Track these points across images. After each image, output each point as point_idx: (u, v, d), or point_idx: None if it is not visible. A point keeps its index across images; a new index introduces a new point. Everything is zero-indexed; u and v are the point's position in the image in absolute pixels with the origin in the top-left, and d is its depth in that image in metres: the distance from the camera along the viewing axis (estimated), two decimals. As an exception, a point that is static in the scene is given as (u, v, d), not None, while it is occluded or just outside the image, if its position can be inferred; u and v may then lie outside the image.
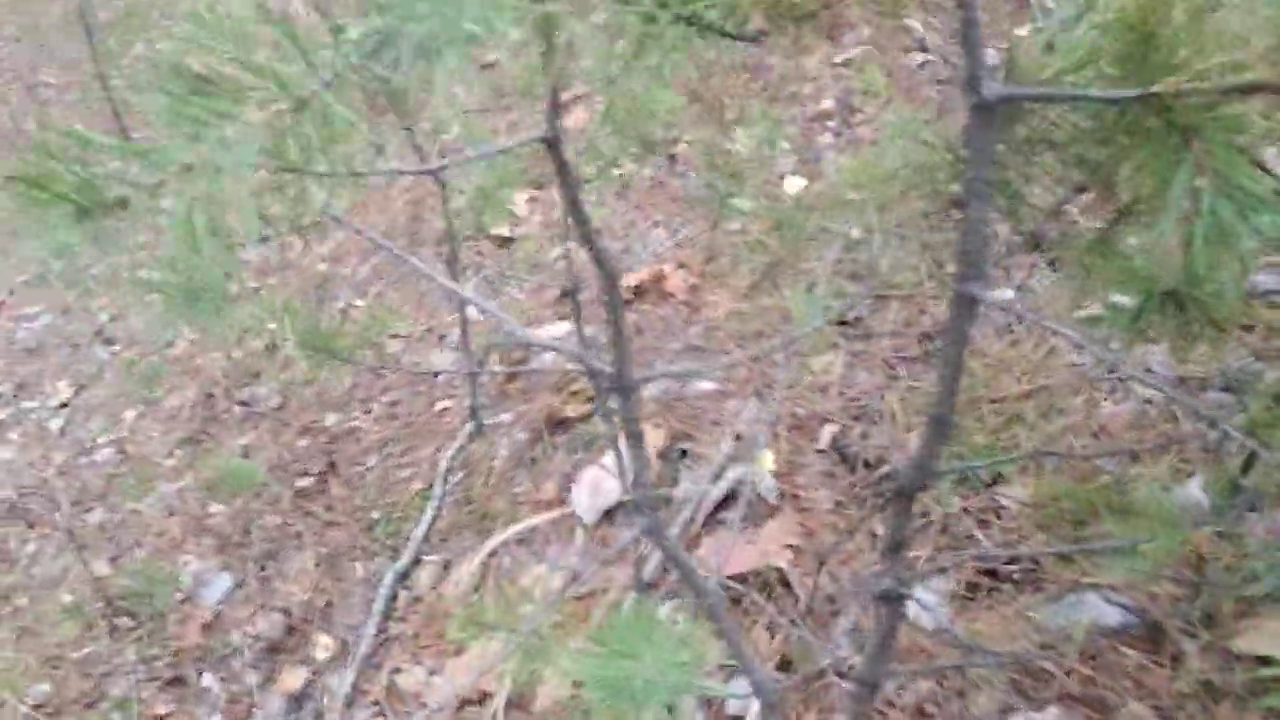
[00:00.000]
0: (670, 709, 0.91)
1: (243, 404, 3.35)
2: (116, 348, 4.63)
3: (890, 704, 1.53)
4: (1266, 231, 0.74)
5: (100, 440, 3.94)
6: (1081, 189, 0.94)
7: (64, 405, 4.39)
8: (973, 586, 1.61)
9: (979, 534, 1.66)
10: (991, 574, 1.61)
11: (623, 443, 1.45)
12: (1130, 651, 1.43)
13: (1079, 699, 1.40)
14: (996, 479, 1.74)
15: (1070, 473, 1.67)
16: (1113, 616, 1.47)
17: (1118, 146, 0.77)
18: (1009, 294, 1.99)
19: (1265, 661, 1.35)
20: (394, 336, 2.89)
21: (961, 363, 0.92)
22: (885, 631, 1.15)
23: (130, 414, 4.01)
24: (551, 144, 0.71)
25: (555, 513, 2.01)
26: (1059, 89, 0.74)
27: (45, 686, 2.57)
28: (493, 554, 2.04)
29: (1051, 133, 0.87)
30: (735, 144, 2.78)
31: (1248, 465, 1.26)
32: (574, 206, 0.73)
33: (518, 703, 1.83)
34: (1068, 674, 1.43)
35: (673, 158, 2.89)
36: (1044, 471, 1.70)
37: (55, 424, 4.25)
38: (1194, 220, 0.73)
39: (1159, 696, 1.37)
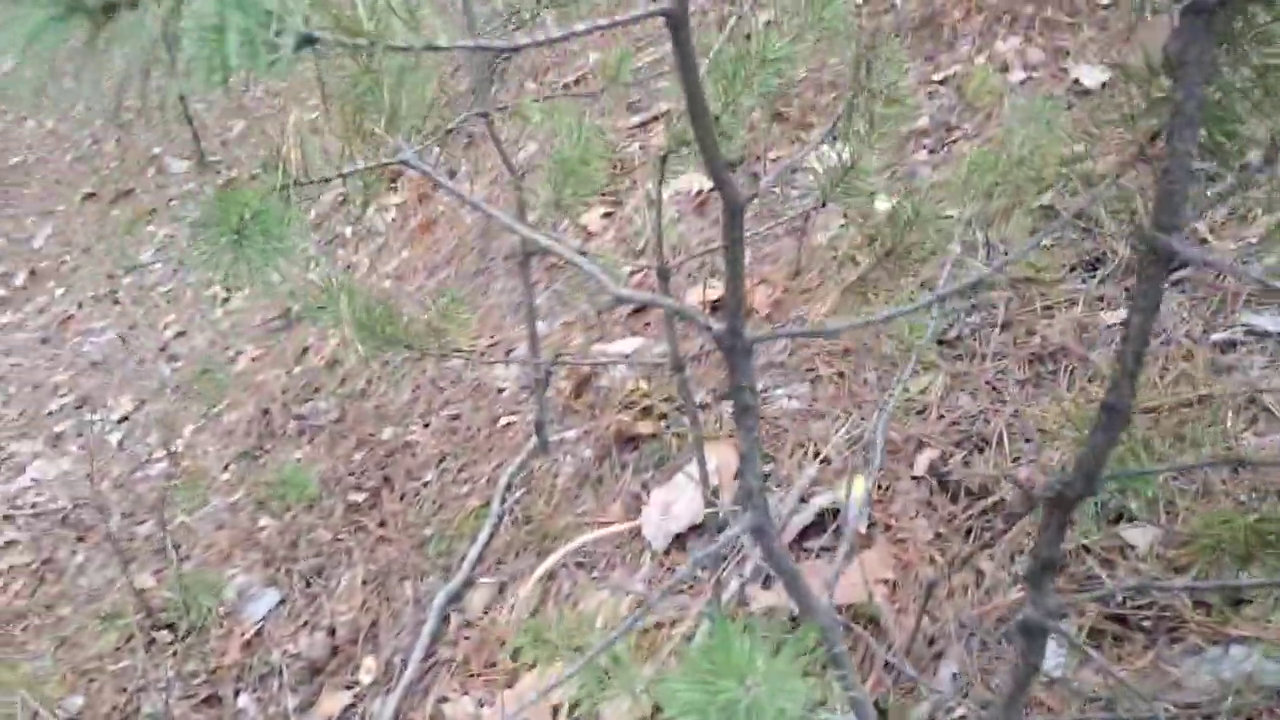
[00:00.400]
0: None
1: (300, 418, 3.25)
2: (179, 364, 4.60)
3: (1001, 763, 1.34)
4: None
5: (156, 454, 3.88)
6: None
7: (124, 419, 4.36)
8: (1096, 633, 1.41)
9: (1102, 574, 1.47)
10: (1119, 620, 1.41)
11: (708, 450, 1.29)
12: (1293, 713, 1.23)
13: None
14: (1120, 516, 1.55)
15: (1208, 506, 1.48)
16: (1273, 675, 1.27)
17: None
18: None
19: None
20: (457, 351, 2.77)
21: (1147, 337, 0.76)
22: (1023, 672, 0.97)
23: (189, 429, 3.95)
24: (675, 20, 0.57)
25: (621, 532, 1.85)
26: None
27: (79, 699, 2.46)
28: (551, 577, 1.89)
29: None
30: (821, 161, 2.63)
31: None
32: (693, 96, 0.59)
33: (574, 741, 1.67)
34: (1216, 737, 1.23)
35: (755, 175, 2.75)
36: (1176, 508, 1.51)
37: (114, 437, 4.22)
38: None
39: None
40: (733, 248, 0.68)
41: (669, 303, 0.82)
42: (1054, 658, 1.41)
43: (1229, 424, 1.57)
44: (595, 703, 1.72)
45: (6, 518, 3.85)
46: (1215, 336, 1.69)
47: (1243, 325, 1.69)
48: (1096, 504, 1.54)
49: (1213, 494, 1.49)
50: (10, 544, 3.66)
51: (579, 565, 1.89)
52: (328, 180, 0.94)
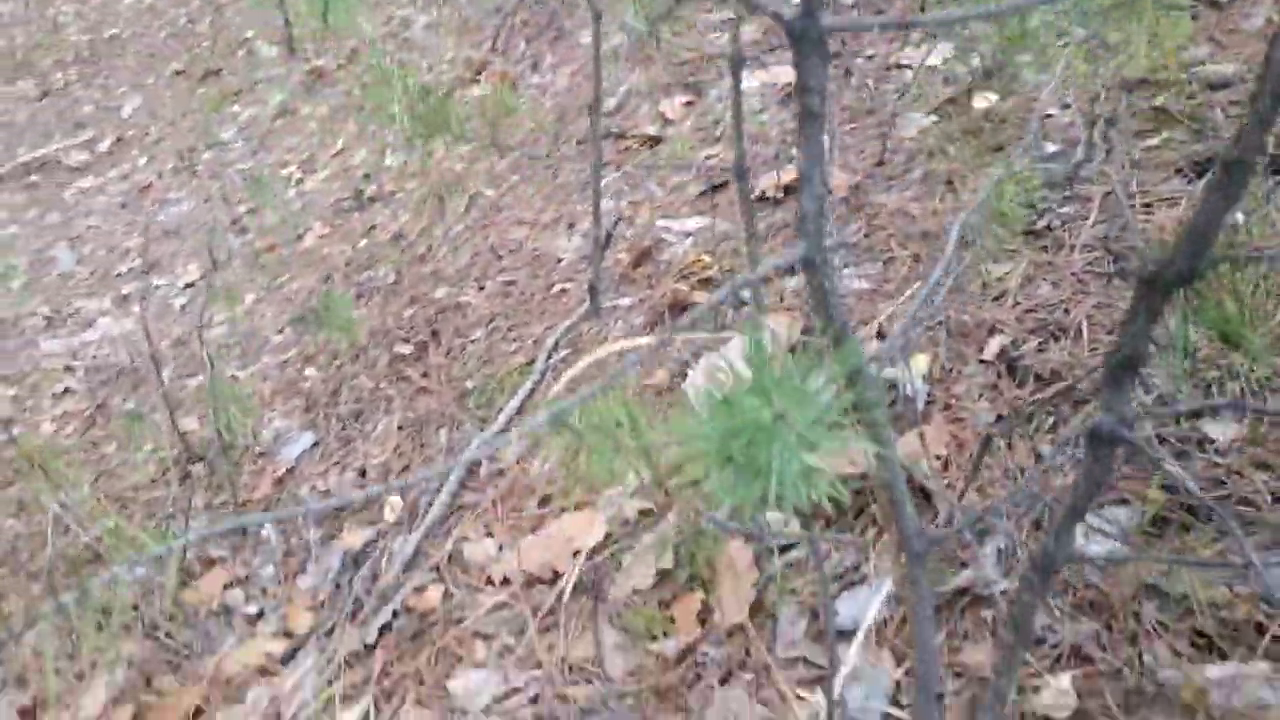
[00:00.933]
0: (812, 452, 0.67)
1: (359, 284, 3.23)
2: (249, 237, 4.63)
3: (1040, 641, 1.25)
4: None
5: (219, 319, 3.91)
6: None
7: (190, 285, 4.41)
8: (1160, 522, 1.31)
9: (1173, 466, 1.36)
10: (1189, 510, 1.31)
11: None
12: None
13: (1300, 658, 1.10)
14: (1200, 411, 1.43)
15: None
16: (1352, 571, 1.16)
17: None
18: None
19: None
20: (519, 223, 2.71)
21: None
22: (1086, 487, 0.88)
23: (250, 297, 3.96)
24: None
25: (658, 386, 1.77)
26: None
27: (110, 522, 2.47)
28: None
29: None
30: (916, 61, 2.51)
31: None
32: None
33: (590, 588, 1.61)
34: (1284, 630, 1.13)
35: (848, 72, 2.63)
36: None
37: (179, 301, 4.26)
38: None
39: None
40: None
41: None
42: (1099, 545, 1.31)
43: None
44: (618, 548, 1.66)
45: (67, 368, 3.91)
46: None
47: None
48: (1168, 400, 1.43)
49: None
50: (67, 392, 3.72)
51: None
52: None
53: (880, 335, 1.74)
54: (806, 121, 0.72)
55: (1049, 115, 2.06)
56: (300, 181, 5.04)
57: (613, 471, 0.97)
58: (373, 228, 3.88)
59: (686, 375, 1.83)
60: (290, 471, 2.26)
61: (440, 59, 5.10)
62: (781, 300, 1.90)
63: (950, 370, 1.63)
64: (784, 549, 1.50)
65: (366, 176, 4.50)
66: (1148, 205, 1.73)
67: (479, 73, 4.56)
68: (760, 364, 0.65)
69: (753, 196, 2.17)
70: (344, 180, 4.75)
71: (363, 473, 2.10)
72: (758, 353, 0.66)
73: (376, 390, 2.31)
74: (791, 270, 1.96)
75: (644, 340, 1.73)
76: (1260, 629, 1.15)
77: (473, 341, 2.28)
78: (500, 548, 1.76)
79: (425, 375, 2.25)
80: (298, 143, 5.35)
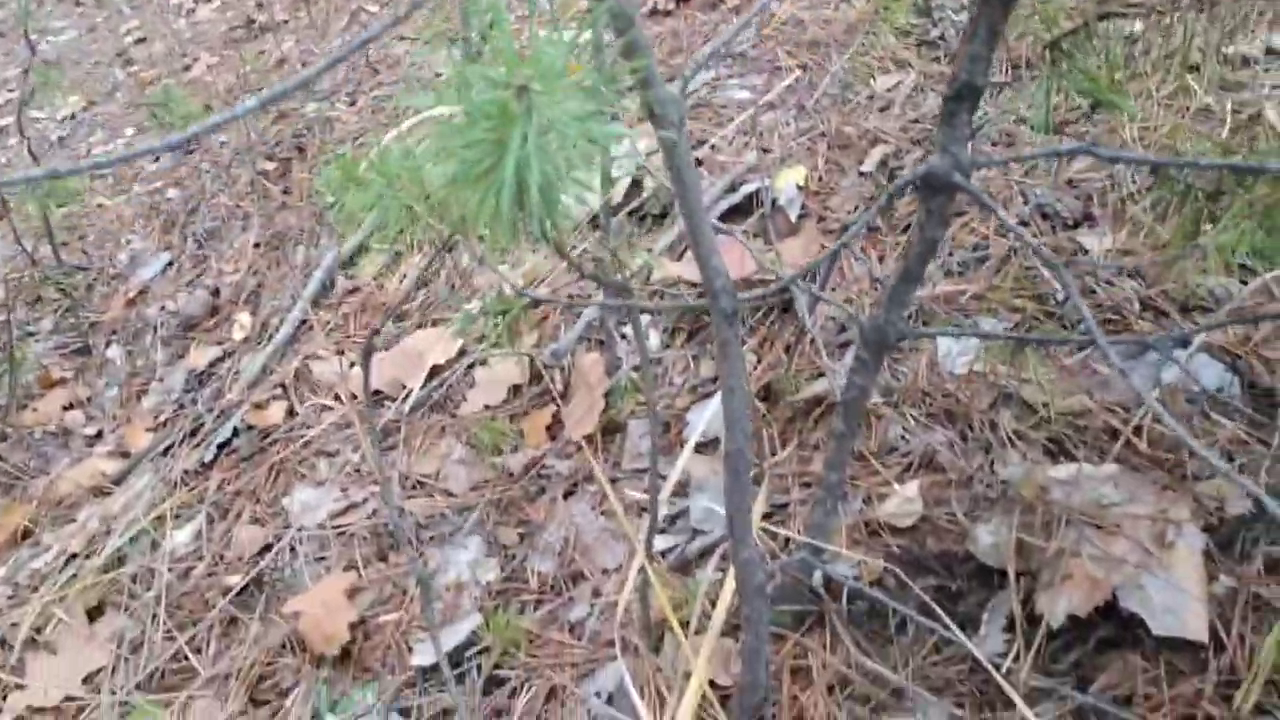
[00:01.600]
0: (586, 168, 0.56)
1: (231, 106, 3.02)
2: (135, 68, 4.35)
3: (892, 450, 1.18)
4: None
5: (96, 152, 3.68)
6: None
7: (71, 117, 4.14)
8: (1025, 331, 1.24)
9: (1045, 273, 1.29)
10: (1055, 319, 1.24)
11: None
12: (1225, 421, 1.06)
13: (1151, 460, 1.04)
14: (1082, 219, 1.36)
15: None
16: (1210, 376, 1.10)
17: None
18: None
19: None
20: (401, 38, 2.52)
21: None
22: (917, 251, 0.79)
23: (130, 130, 3.72)
24: None
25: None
26: None
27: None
28: (450, 249, 1.70)
29: None
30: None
31: None
32: None
33: (440, 403, 1.51)
34: (1136, 433, 1.07)
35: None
36: (1141, 223, 1.32)
37: (57, 134, 3.99)
38: None
39: (1257, 474, 1.01)
40: None
41: None
42: (972, 355, 1.24)
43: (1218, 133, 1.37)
44: (472, 363, 1.56)
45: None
46: (1229, 50, 1.47)
47: (1262, 42, 1.47)
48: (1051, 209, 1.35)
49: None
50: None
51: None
52: None
53: (762, 149, 1.62)
54: None
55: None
56: (192, 11, 4.74)
57: (393, 222, 0.85)
58: (260, 54, 3.64)
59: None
60: (143, 292, 2.10)
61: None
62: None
63: (826, 182, 1.53)
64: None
65: (260, 5, 4.23)
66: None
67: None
68: (503, 35, 0.53)
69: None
70: (238, 9, 4.46)
71: (216, 291, 1.96)
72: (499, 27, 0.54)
73: (236, 207, 2.15)
74: (671, 80, 1.83)
75: None
76: (1114, 434, 1.09)
77: (339, 156, 2.12)
78: (350, 365, 1.65)
79: (286, 192, 2.09)
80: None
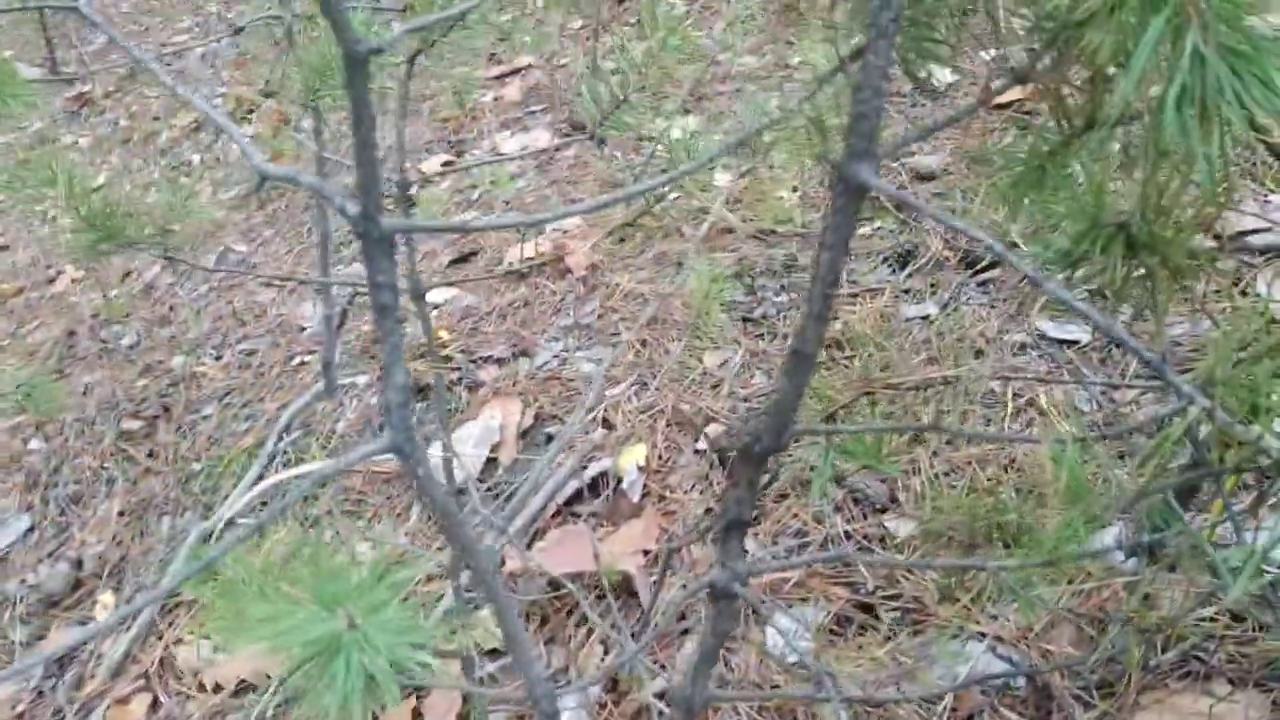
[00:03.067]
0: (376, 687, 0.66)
1: (103, 343, 3.05)
2: (-5, 278, 4.31)
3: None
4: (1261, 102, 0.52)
5: (-51, 370, 3.61)
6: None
7: (-80, 328, 4.06)
8: (843, 621, 1.37)
9: (858, 563, 1.43)
10: (867, 609, 1.37)
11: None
12: (1012, 715, 1.20)
13: (944, 762, 1.17)
14: (890, 505, 1.51)
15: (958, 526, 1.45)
16: (998, 671, 1.24)
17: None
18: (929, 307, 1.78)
19: (1166, 744, 1.13)
20: (267, 285, 2.62)
21: (838, 276, 0.69)
22: (711, 641, 0.91)
23: (-8, 347, 3.68)
24: None
25: (391, 479, 1.74)
26: None
27: None
28: (315, 524, 1.77)
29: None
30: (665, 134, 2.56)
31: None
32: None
33: (296, 694, 1.55)
34: (935, 732, 1.20)
35: (601, 141, 2.66)
36: (941, 497, 1.48)
37: (-92, 349, 3.91)
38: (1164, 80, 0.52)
39: (1038, 770, 1.14)
40: (356, 106, 0.59)
41: (310, 180, 0.73)
42: (795, 642, 1.36)
43: (1001, 417, 1.56)
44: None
45: None
46: (1009, 338, 1.68)
47: (1036, 330, 1.68)
48: (863, 492, 1.51)
49: (977, 491, 1.47)
50: None
51: (346, 513, 1.78)
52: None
53: (606, 424, 1.76)
54: (380, 315, 0.72)
55: (779, 196, 2.15)
56: (55, 219, 4.75)
57: (228, 643, 0.93)
58: (129, 274, 3.68)
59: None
60: (2, 560, 2.10)
61: (213, 93, 4.90)
62: (515, 385, 1.90)
63: (666, 460, 1.67)
64: (492, 653, 1.49)
65: (129, 215, 4.26)
66: (854, 296, 1.83)
67: (251, 111, 4.41)
68: (340, 572, 0.64)
69: (499, 270, 2.17)
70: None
71: (79, 564, 1.97)
72: (327, 561, 0.65)
73: (100, 469, 2.18)
74: (525, 354, 1.96)
75: (313, 467, 1.70)
76: (918, 730, 1.21)
77: (204, 418, 2.18)
78: (217, 649, 1.68)
79: (151, 455, 2.14)
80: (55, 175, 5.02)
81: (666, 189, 2.15)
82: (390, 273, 0.69)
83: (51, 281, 4.05)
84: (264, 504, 1.72)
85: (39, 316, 3.68)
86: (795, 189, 2.15)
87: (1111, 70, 0.69)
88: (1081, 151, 0.73)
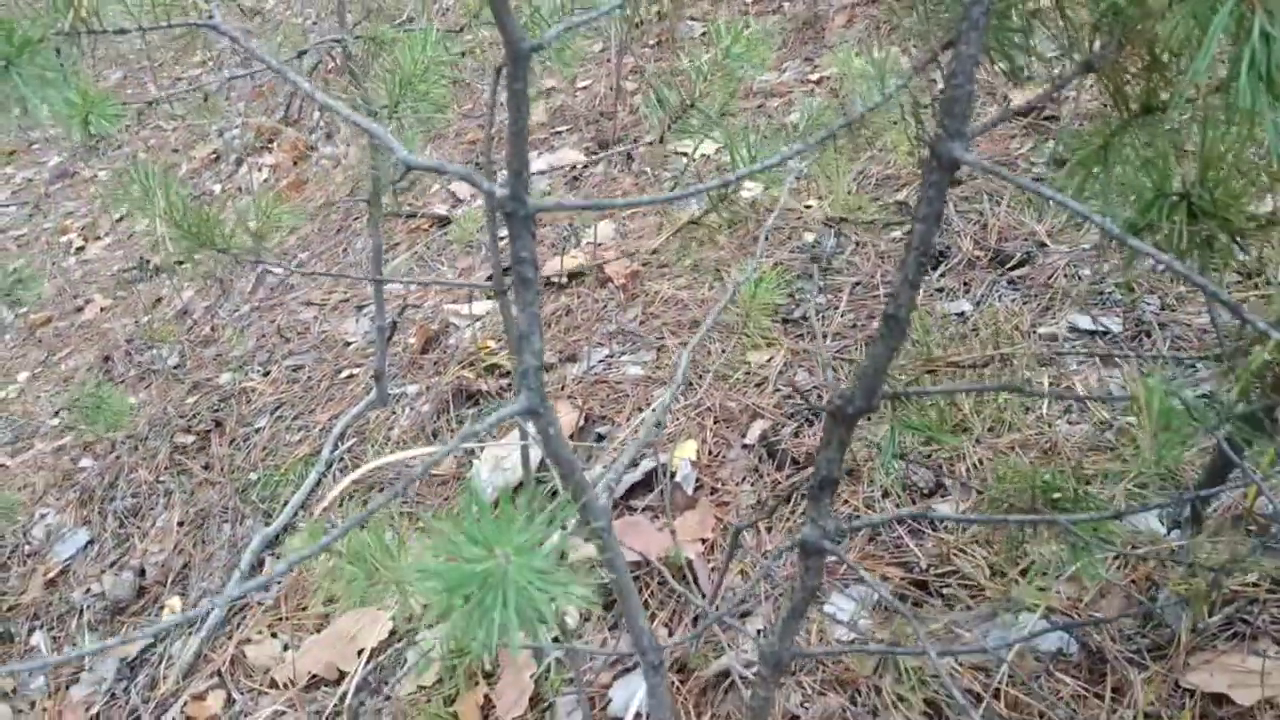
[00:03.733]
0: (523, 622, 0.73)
1: (140, 366, 3.12)
2: (24, 309, 4.39)
3: (795, 718, 1.35)
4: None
5: (-13, 398, 3.69)
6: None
7: (-47, 357, 4.13)
8: (900, 599, 1.44)
9: (910, 544, 1.50)
10: (921, 586, 1.44)
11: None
12: (1067, 679, 1.26)
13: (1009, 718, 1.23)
14: (935, 489, 1.58)
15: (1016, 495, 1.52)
16: (1051, 640, 1.31)
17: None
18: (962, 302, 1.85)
19: (1218, 701, 1.19)
20: (307, 304, 2.69)
21: (929, 246, 0.77)
22: (801, 595, 0.98)
23: (24, 375, 3.76)
24: None
25: (448, 480, 1.81)
26: None
27: None
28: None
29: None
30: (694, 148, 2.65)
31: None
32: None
33: (374, 686, 1.62)
34: (995, 696, 1.26)
35: (629, 156, 2.75)
36: (986, 486, 1.55)
37: (-64, 363, 3.99)
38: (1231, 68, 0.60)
39: (1096, 729, 1.20)
40: (514, 98, 0.66)
41: (457, 169, 0.80)
42: (855, 620, 1.43)
43: (1043, 409, 1.63)
44: (404, 645, 1.68)
45: None
46: (1041, 330, 1.75)
47: (1067, 323, 1.75)
48: (911, 478, 1.58)
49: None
50: None
51: (404, 514, 1.85)
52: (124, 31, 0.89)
53: (657, 424, 1.83)
54: (521, 287, 0.79)
55: (808, 206, 2.23)
56: (81, 248, 4.83)
57: (364, 600, 1.01)
58: (159, 301, 3.76)
59: (473, 465, 1.87)
60: (64, 572, 2.16)
61: (231, 124, 4.99)
62: (563, 388, 1.97)
63: (716, 455, 1.74)
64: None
65: (154, 245, 4.36)
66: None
67: (270, 140, 4.50)
68: (484, 512, 0.71)
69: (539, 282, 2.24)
70: (128, 247, 4.58)
71: (142, 572, 2.03)
72: (479, 506, 0.72)
73: (156, 483, 2.25)
74: (572, 359, 2.03)
75: (425, 450, 1.77)
76: (978, 697, 1.28)
77: (257, 430, 2.25)
78: (285, 647, 1.75)
79: (207, 468, 2.20)
80: (77, 208, 5.13)
81: (735, 185, 2.23)
82: (532, 249, 0.77)
83: (80, 310, 4.13)
84: (351, 495, 1.79)
85: (70, 344, 3.76)
86: (823, 197, 2.23)
87: (1166, 58, 0.77)
88: (1143, 131, 0.80)
